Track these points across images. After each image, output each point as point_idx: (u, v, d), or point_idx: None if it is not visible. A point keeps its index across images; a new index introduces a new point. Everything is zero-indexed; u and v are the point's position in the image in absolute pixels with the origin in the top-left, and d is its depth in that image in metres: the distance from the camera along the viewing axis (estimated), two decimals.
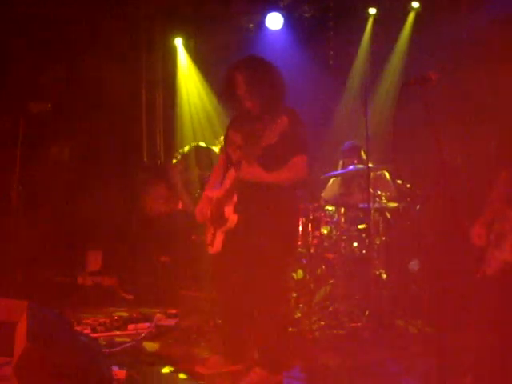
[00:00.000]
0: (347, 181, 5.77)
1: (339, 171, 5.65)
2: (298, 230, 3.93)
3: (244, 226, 3.50)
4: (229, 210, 3.54)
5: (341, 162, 5.86)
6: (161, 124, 7.65)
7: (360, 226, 5.10)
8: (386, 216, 5.19)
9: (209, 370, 3.75)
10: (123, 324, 4.95)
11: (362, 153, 5.62)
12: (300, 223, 5.01)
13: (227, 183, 3.61)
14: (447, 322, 3.10)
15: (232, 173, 3.58)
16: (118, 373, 3.66)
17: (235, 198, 3.52)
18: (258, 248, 3.49)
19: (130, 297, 5.68)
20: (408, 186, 5.22)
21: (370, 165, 4.86)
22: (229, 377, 3.72)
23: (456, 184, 3.11)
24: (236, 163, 3.56)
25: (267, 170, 3.43)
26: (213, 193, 3.76)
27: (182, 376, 3.87)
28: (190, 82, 7.51)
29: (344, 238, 5.07)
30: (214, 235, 3.64)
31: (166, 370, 3.91)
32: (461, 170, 5.78)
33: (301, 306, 4.82)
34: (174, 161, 6.44)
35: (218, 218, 3.61)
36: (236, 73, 3.56)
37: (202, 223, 3.80)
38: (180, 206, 6.12)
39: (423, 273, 5.27)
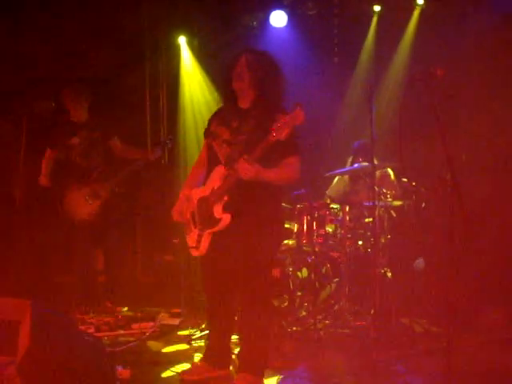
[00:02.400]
0: (354, 179, 5.72)
1: (343, 169, 5.60)
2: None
3: (235, 225, 3.34)
4: (219, 210, 3.34)
5: (350, 160, 5.80)
6: (165, 122, 7.64)
7: (366, 220, 5.07)
8: (392, 214, 5.16)
9: (193, 377, 3.65)
10: (127, 323, 4.95)
11: None
12: (305, 221, 4.99)
13: (215, 182, 3.40)
14: (453, 320, 3.07)
15: (221, 170, 3.40)
16: (122, 372, 3.66)
17: (226, 197, 3.32)
18: (248, 248, 3.36)
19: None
20: (413, 183, 5.18)
21: (375, 162, 4.81)
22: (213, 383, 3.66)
23: (462, 180, 3.07)
24: (227, 160, 3.38)
25: (264, 167, 3.23)
26: (194, 192, 3.55)
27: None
28: (193, 80, 7.49)
29: (349, 236, 5.04)
30: (199, 237, 3.43)
31: (169, 370, 3.87)
32: (466, 166, 5.75)
33: (305, 304, 4.80)
34: None
35: (207, 219, 3.40)
36: (244, 53, 3.47)
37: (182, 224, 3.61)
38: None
39: (428, 271, 5.24)
